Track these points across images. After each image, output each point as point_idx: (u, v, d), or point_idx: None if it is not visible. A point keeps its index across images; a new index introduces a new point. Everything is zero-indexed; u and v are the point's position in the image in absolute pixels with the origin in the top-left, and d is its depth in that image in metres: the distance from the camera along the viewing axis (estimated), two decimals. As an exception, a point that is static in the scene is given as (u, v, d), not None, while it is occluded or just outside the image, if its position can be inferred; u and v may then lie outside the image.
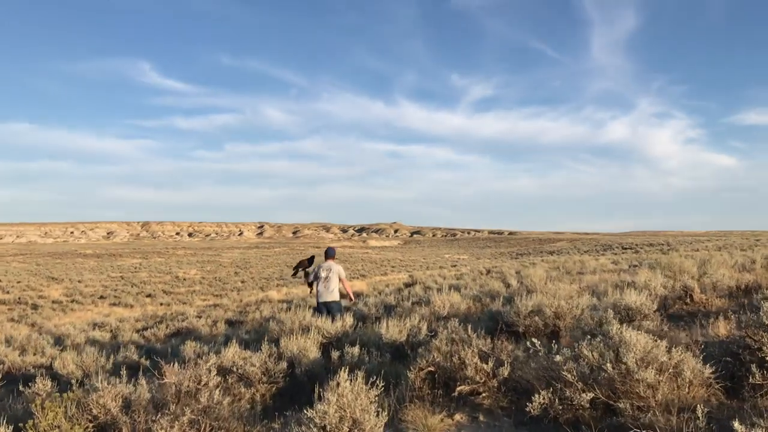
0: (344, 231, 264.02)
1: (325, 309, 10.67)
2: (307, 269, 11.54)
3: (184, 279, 67.83)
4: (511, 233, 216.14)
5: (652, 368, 4.25)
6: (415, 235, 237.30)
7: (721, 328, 6.62)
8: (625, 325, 5.43)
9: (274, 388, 6.18)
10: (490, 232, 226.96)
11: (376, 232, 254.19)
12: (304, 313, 10.18)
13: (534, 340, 5.07)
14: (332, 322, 10.62)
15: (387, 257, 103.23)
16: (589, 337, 4.96)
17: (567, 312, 7.97)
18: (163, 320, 20.88)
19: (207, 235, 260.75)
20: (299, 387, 6.28)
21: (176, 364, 5.61)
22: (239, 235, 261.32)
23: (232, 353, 6.56)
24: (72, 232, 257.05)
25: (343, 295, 11.46)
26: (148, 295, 49.74)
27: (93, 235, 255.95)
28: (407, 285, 25.41)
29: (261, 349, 6.74)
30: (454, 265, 69.59)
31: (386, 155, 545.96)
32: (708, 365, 4.63)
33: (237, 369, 6.17)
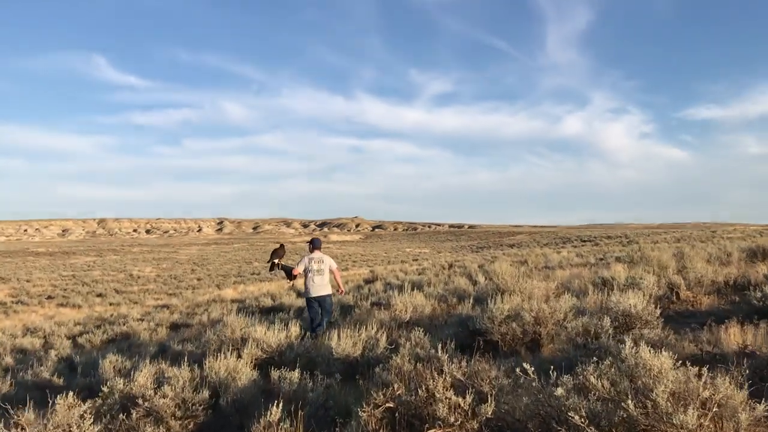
0: (305, 226, 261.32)
1: (317, 303, 9.93)
2: (282, 261, 10.75)
3: (138, 277, 65.54)
4: (471, 227, 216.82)
5: (692, 407, 3.10)
6: (376, 230, 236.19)
7: (734, 336, 5.55)
8: (624, 335, 4.29)
9: (191, 425, 4.89)
10: (451, 226, 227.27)
11: (337, 226, 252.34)
12: (246, 319, 8.91)
13: (526, 366, 3.88)
14: (325, 317, 9.78)
15: (348, 252, 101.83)
16: (595, 359, 3.76)
17: (549, 317, 6.85)
18: (103, 324, 19.26)
19: (165, 232, 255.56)
20: (224, 422, 5.01)
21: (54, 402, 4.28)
22: (198, 231, 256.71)
23: (145, 377, 5.24)
24: (26, 230, 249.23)
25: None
26: (99, 295, 47.55)
27: (47, 233, 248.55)
28: (367, 281, 24.20)
29: (178, 373, 5.43)
30: (416, 260, 68.69)
31: (347, 150, 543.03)
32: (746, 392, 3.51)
33: (144, 401, 4.85)
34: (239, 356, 6.45)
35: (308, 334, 8.26)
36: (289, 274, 10.45)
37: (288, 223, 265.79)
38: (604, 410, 3.37)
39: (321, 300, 9.96)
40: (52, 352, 11.61)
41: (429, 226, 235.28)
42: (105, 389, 5.39)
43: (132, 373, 6.97)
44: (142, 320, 18.43)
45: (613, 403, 3.41)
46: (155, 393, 5.00)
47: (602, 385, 3.51)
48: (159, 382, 5.52)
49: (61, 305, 41.01)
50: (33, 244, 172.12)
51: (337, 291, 10.56)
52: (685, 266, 12.93)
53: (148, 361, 7.17)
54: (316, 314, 9.97)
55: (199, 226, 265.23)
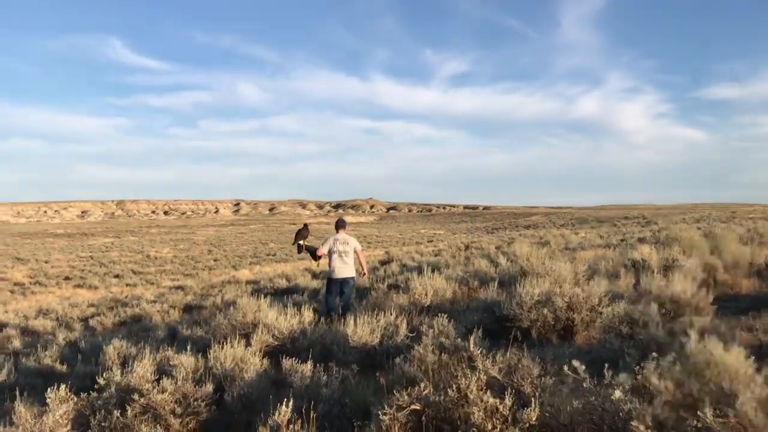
0: (320, 207, 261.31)
1: (338, 285, 9.67)
2: (306, 242, 10.60)
3: (156, 258, 65.64)
4: (485, 208, 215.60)
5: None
6: (390, 211, 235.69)
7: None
8: (672, 323, 3.74)
9: (192, 423, 4.42)
10: (465, 207, 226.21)
11: (352, 208, 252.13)
12: (259, 302, 8.45)
13: (575, 363, 3.32)
14: (344, 301, 9.40)
15: (363, 233, 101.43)
16: (654, 355, 3.21)
17: (582, 302, 6.30)
18: (116, 306, 18.96)
19: (183, 213, 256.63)
20: (229, 420, 4.53)
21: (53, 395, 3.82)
22: (215, 212, 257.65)
23: (144, 368, 4.78)
24: (45, 212, 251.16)
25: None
26: (116, 276, 47.58)
27: (67, 214, 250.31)
28: (383, 263, 23.72)
29: (181, 362, 4.95)
30: (431, 241, 68.16)
31: (362, 132, 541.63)
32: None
33: (140, 396, 4.39)
34: (248, 344, 5.98)
35: (323, 318, 7.79)
36: (314, 255, 10.22)
37: (303, 205, 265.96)
38: (671, 418, 2.84)
39: (343, 282, 9.68)
40: (60, 336, 11.26)
41: (443, 208, 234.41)
42: (101, 381, 4.93)
43: (132, 362, 6.54)
44: (156, 302, 18.08)
45: (683, 409, 2.87)
46: (153, 387, 4.54)
47: (666, 387, 2.97)
48: (161, 372, 5.06)
49: (78, 286, 41.03)
50: (52, 225, 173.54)
51: (361, 274, 10.17)
52: (717, 247, 12.29)
53: (148, 351, 6.71)
54: (334, 296, 9.67)
55: (216, 208, 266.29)
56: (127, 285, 40.54)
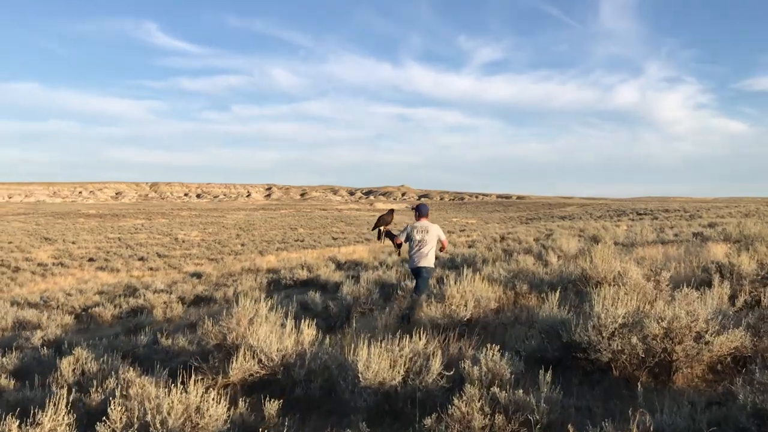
0: (351, 194, 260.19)
1: (416, 275, 9.26)
2: (388, 227, 10.10)
3: (183, 241, 64.96)
4: (519, 197, 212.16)
5: None
6: (422, 198, 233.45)
7: None
8: None
9: None
10: (498, 197, 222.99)
11: (383, 195, 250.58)
12: (257, 306, 6.84)
13: None
14: (416, 292, 8.63)
15: (395, 221, 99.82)
16: None
17: (686, 329, 4.53)
18: (124, 294, 17.62)
19: (215, 197, 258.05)
20: None
21: None
22: (247, 196, 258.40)
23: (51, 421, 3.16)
24: (80, 192, 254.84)
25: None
26: (140, 259, 46.72)
27: (101, 195, 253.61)
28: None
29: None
30: (463, 230, 66.01)
31: (394, 118, 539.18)
32: None
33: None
34: (223, 373, 4.33)
35: (328, 337, 6.15)
36: (395, 242, 9.75)
37: (335, 191, 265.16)
38: None
39: (416, 272, 9.24)
40: (38, 334, 9.83)
41: (476, 197, 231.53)
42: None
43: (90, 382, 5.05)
44: (164, 292, 16.67)
45: None
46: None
47: None
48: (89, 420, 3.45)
49: (100, 269, 40.18)
50: (86, 206, 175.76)
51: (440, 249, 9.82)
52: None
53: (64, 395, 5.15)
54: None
55: (248, 192, 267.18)
56: (149, 269, 39.58)
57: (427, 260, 9.26)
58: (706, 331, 4.72)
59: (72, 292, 18.97)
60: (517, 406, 3.33)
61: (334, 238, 64.38)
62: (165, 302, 14.86)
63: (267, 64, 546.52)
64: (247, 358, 4.64)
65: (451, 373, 4.14)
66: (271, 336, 4.83)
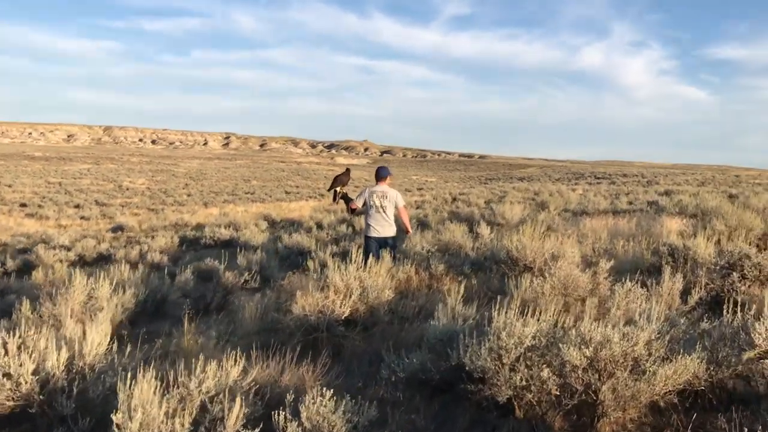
0: (313, 146, 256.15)
1: (377, 246, 8.41)
2: (344, 189, 9.41)
3: (127, 189, 62.51)
4: (481, 157, 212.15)
5: None
6: (385, 155, 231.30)
7: None
8: None
9: None
10: (461, 155, 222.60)
11: (345, 149, 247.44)
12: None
13: None
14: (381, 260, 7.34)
15: (353, 176, 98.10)
16: None
17: (620, 358, 3.18)
18: (29, 248, 15.81)
19: (171, 144, 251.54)
20: None
21: None
22: (204, 144, 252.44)
23: None
24: (30, 134, 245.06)
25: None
26: (76, 206, 44.39)
27: (52, 137, 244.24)
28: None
29: None
30: (420, 188, 64.75)
31: (359, 70, 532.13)
32: None
33: None
34: None
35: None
36: (349, 207, 9.07)
37: (296, 143, 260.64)
38: None
39: (381, 242, 8.48)
40: None
41: (439, 155, 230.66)
42: None
43: None
44: (65, 248, 14.92)
45: None
46: None
47: None
48: None
49: (29, 215, 37.79)
50: (33, 148, 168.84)
51: (405, 232, 9.21)
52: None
53: None
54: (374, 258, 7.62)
55: (205, 140, 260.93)
56: (82, 218, 37.38)
57: (390, 229, 8.71)
58: (648, 358, 3.36)
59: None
60: None
61: (287, 192, 62.55)
62: (60, 260, 13.17)
63: (229, 7, 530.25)
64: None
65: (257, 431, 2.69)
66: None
